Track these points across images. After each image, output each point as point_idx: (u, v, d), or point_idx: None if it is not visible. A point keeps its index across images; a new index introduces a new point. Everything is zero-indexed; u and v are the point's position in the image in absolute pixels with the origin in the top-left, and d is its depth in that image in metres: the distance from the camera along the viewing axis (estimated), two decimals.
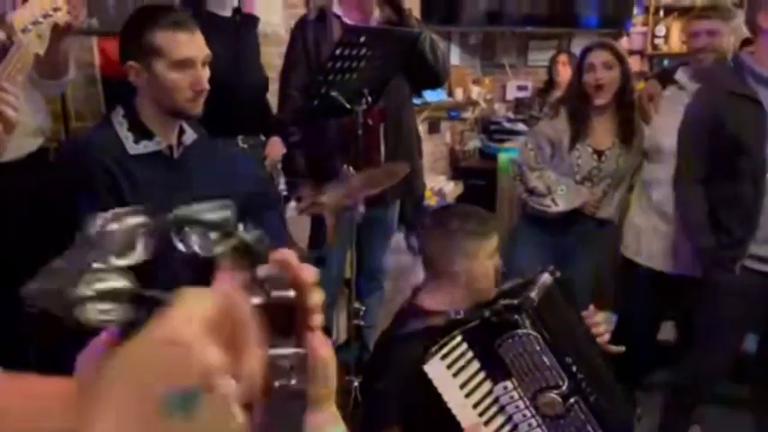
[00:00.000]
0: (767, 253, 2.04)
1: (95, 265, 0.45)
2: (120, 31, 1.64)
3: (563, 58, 4.60)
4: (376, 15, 2.40)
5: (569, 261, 2.49)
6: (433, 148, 5.28)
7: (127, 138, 1.59)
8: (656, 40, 5.14)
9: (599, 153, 2.47)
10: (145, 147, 1.61)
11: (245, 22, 2.38)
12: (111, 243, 0.46)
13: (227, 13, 2.21)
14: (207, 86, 1.61)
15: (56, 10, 1.19)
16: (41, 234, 1.62)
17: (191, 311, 0.39)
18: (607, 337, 1.61)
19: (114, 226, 0.47)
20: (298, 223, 2.60)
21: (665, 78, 2.55)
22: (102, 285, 0.43)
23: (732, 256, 2.06)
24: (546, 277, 1.55)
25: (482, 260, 1.61)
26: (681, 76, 2.47)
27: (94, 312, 0.42)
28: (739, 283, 2.08)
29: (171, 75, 1.56)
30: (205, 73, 1.61)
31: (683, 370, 2.38)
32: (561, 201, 2.47)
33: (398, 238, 3.89)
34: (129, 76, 1.60)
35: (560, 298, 1.57)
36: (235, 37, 2.27)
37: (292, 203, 2.39)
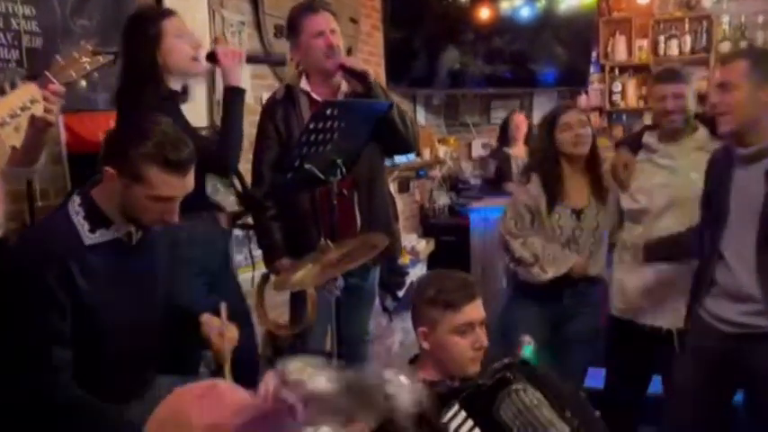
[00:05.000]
0: (722, 312, 2.04)
1: None
2: (113, 131, 1.58)
3: (521, 117, 4.91)
4: (344, 88, 2.41)
5: (567, 323, 2.50)
6: (403, 207, 5.30)
7: (83, 226, 1.53)
8: (614, 97, 5.34)
9: (578, 213, 2.48)
10: (101, 235, 1.55)
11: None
12: None
13: (178, 87, 2.15)
14: (176, 219, 1.57)
15: (33, 102, 1.16)
16: None
17: None
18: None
19: None
20: (276, 299, 2.54)
21: (634, 144, 2.61)
22: None
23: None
24: (527, 339, 1.63)
25: (443, 333, 1.57)
26: (648, 139, 2.52)
27: None
28: (699, 341, 2.10)
29: (146, 203, 1.52)
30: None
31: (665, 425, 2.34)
32: (550, 268, 2.45)
33: (375, 299, 3.85)
34: (102, 173, 1.53)
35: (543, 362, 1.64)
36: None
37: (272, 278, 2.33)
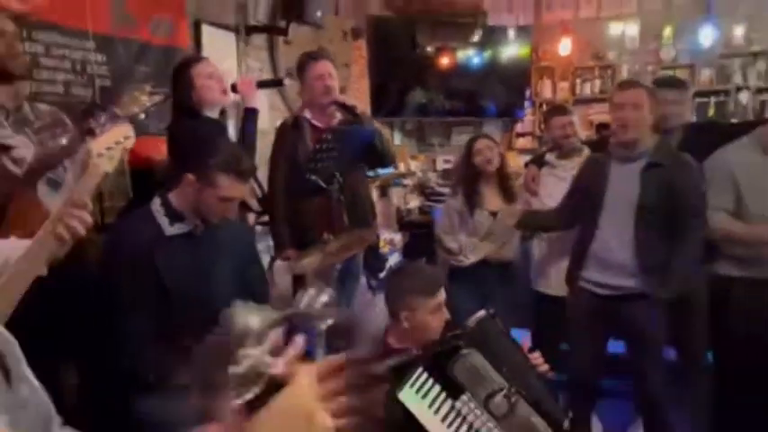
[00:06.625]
0: (595, 278, 2.10)
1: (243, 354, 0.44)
2: (190, 146, 1.58)
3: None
4: (338, 117, 2.42)
5: (492, 296, 2.51)
6: (383, 209, 5.30)
7: (164, 221, 1.55)
8: (542, 125, 5.37)
9: (493, 214, 2.54)
10: (179, 228, 1.56)
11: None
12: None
13: (216, 114, 2.20)
14: (233, 215, 1.61)
15: (126, 138, 1.16)
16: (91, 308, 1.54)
17: (305, 386, 0.40)
18: (545, 366, 1.55)
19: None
20: (282, 279, 2.55)
21: (539, 162, 2.71)
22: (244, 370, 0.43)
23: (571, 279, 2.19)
24: (481, 313, 1.54)
25: (423, 314, 1.53)
26: (549, 157, 2.64)
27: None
28: (577, 302, 2.16)
29: (215, 203, 1.53)
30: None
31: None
32: (471, 255, 2.53)
33: (362, 280, 3.86)
34: (180, 182, 1.55)
35: (493, 326, 1.55)
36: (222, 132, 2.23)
37: (279, 263, 2.34)
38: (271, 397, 0.40)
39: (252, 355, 0.44)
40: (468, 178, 2.55)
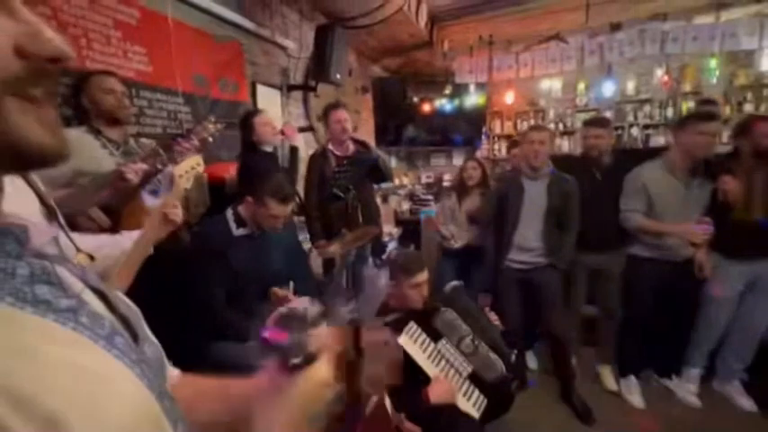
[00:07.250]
0: (518, 258, 2.11)
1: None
2: (251, 178, 1.59)
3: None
4: (352, 148, 2.43)
5: (469, 271, 2.53)
6: (385, 211, 5.28)
7: (233, 226, 1.55)
8: (494, 152, 5.39)
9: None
10: (243, 231, 1.56)
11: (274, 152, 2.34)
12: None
13: (270, 149, 2.23)
14: (280, 227, 1.57)
15: (198, 165, 1.18)
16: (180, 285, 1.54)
17: (326, 366, 0.40)
18: (498, 321, 1.56)
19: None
20: (316, 260, 2.57)
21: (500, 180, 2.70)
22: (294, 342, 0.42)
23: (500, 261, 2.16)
24: (454, 283, 1.58)
25: (405, 288, 1.45)
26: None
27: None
28: (505, 275, 2.14)
29: (266, 219, 1.53)
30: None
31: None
32: (458, 240, 2.53)
33: (369, 261, 3.86)
34: (244, 200, 1.55)
35: (462, 293, 1.58)
36: (275, 161, 2.27)
37: (313, 250, 2.36)
38: (308, 367, 0.41)
39: (302, 334, 0.44)
40: (459, 187, 2.59)
